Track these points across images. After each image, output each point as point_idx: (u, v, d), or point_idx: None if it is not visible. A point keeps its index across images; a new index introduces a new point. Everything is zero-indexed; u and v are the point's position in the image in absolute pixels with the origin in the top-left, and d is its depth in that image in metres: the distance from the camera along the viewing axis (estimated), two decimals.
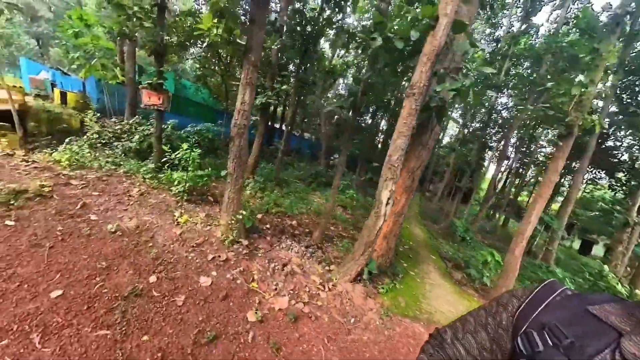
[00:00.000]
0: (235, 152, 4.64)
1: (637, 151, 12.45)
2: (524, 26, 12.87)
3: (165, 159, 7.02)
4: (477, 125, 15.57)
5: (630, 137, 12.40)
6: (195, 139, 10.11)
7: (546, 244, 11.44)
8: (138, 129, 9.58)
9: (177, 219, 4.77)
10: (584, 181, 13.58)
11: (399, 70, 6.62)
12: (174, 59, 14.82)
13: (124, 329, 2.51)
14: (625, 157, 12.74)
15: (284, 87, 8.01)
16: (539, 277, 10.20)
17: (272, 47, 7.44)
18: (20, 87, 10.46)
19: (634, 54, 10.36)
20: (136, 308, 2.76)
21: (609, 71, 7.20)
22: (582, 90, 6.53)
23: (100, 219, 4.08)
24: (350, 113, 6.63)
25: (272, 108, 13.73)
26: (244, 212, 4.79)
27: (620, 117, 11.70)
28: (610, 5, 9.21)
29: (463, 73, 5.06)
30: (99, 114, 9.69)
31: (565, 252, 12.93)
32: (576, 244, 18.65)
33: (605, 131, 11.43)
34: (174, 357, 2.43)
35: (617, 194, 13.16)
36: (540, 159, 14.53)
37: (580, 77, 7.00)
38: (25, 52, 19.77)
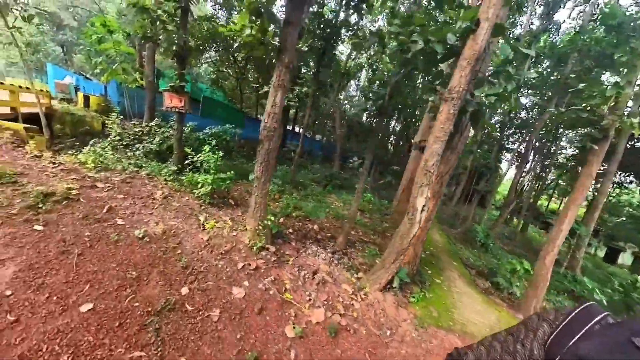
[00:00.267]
0: (263, 156, 4.37)
1: None
2: (543, 23, 12.23)
3: (187, 161, 6.85)
4: (496, 126, 14.87)
5: None
6: (213, 141, 9.96)
7: (571, 251, 10.75)
8: (158, 131, 9.50)
9: (202, 224, 4.53)
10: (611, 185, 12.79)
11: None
12: (191, 62, 14.84)
13: (159, 349, 2.23)
14: None
15: (304, 89, 7.74)
16: (565, 287, 9.55)
17: (303, 48, 7.19)
18: (47, 91, 10.56)
19: None
20: (170, 325, 2.49)
21: None
22: (618, 91, 6.04)
23: (126, 223, 3.86)
24: (377, 117, 6.29)
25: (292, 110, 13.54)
26: (272, 218, 4.50)
27: None
28: None
29: (504, 77, 4.69)
30: (121, 117, 9.65)
31: (589, 259, 12.14)
32: (601, 252, 17.57)
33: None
34: None
35: None
36: (561, 160, 13.73)
37: (616, 78, 6.50)
38: (52, 58, 20.28)
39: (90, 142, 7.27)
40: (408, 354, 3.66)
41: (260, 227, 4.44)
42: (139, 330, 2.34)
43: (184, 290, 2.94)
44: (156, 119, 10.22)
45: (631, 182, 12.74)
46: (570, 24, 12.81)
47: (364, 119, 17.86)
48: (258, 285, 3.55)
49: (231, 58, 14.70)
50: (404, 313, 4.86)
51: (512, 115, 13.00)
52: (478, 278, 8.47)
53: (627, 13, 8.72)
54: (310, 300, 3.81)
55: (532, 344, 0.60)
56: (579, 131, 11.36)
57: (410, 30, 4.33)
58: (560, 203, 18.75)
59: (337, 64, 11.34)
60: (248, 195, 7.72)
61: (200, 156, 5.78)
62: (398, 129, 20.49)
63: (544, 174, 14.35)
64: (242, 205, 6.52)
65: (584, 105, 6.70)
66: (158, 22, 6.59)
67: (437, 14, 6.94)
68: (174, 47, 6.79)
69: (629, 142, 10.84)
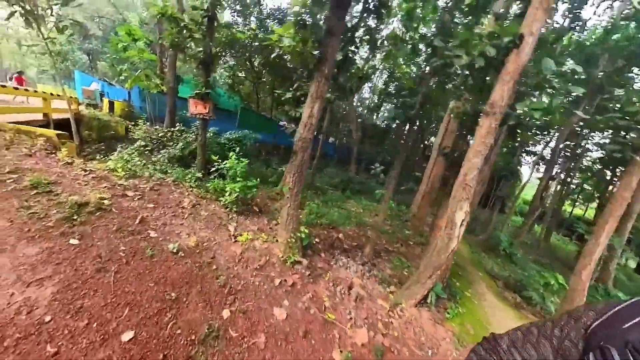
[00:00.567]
0: (297, 167, 4.11)
1: None
2: (567, 21, 11.47)
3: (213, 168, 6.67)
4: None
5: None
6: (233, 146, 9.80)
7: (601, 263, 9.99)
8: (180, 137, 9.43)
9: (233, 235, 4.29)
10: None
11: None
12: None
13: None
14: None
15: (328, 95, 7.47)
16: (597, 300, 8.85)
17: None
18: (76, 97, 10.71)
19: None
20: (217, 355, 2.22)
21: None
22: None
23: (159, 235, 3.66)
24: (407, 125, 5.95)
25: None
26: (306, 231, 4.22)
27: None
28: None
29: (547, 92, 4.34)
30: (148, 123, 9.63)
31: (620, 270, 11.33)
32: (632, 263, 16.37)
33: None
34: None
35: None
36: (587, 164, 12.80)
37: None
38: (79, 66, 20.85)
39: (118, 149, 7.21)
40: None
41: (293, 240, 4.16)
42: None
43: (226, 313, 2.68)
44: (179, 124, 10.18)
45: None
46: (596, 20, 11.97)
47: (379, 122, 17.44)
48: (298, 304, 3.26)
49: (247, 63, 14.64)
50: (441, 331, 4.52)
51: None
52: (506, 290, 7.92)
53: None
54: (351, 318, 3.51)
55: (571, 329, 0.59)
56: (609, 134, 10.58)
57: (454, 45, 4.12)
58: (586, 209, 17.70)
59: (357, 68, 11.03)
60: (270, 201, 7.48)
61: (226, 163, 5.58)
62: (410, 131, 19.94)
63: (568, 179, 13.44)
64: (266, 213, 6.27)
65: (606, 105, 6.15)
66: (185, 31, 6.48)
67: (470, 24, 6.57)
68: (200, 55, 6.66)
69: None
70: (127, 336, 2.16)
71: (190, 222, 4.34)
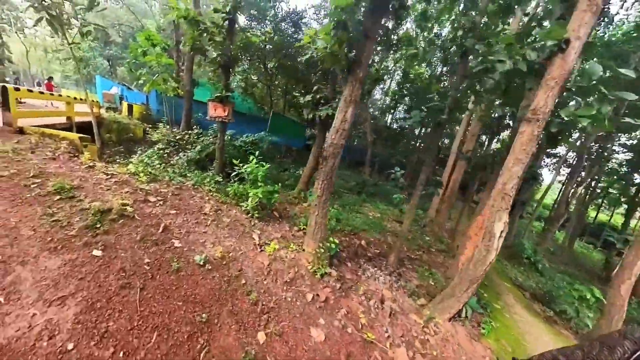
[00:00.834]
0: (327, 173, 3.78)
1: None
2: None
3: (232, 172, 6.43)
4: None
5: None
6: (249, 149, 9.58)
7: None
8: (198, 140, 9.28)
9: (258, 244, 3.99)
10: None
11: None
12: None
13: None
14: None
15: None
16: (633, 316, 8.09)
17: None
18: (97, 101, 10.74)
19: None
20: None
21: None
22: None
23: (184, 245, 3.38)
24: (425, 128, 5.55)
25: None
26: (336, 241, 3.88)
27: None
28: None
29: (597, 99, 3.89)
30: (168, 126, 9.51)
31: None
32: None
33: None
34: None
35: None
36: (612, 166, 11.88)
37: None
38: (99, 71, 21.26)
39: (138, 152, 7.06)
40: None
41: (322, 250, 3.83)
42: None
43: (261, 337, 2.36)
44: (196, 126, 10.06)
45: None
46: (624, 15, 11.18)
47: (394, 123, 16.92)
48: (334, 323, 2.92)
49: (261, 66, 14.50)
50: (479, 348, 4.12)
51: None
52: (533, 302, 7.34)
53: None
54: (388, 337, 3.16)
55: None
56: (637, 135, 9.80)
57: (496, 49, 3.81)
58: (611, 215, 16.54)
59: (375, 70, 10.68)
60: (288, 205, 7.18)
61: (247, 167, 5.31)
62: (423, 133, 19.33)
63: (593, 182, 12.49)
64: (285, 218, 5.97)
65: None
66: (205, 34, 6.27)
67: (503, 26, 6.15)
68: (220, 58, 6.44)
69: None
70: None
71: (214, 230, 4.07)
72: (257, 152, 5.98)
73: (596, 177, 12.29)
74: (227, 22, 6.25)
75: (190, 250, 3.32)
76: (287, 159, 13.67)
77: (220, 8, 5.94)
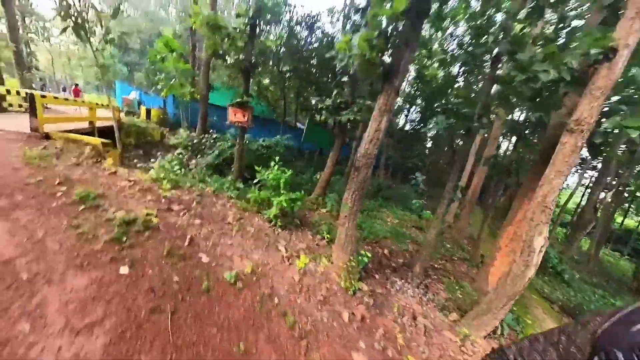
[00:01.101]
0: (359, 183, 3.48)
1: None
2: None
3: (251, 178, 6.20)
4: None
5: None
6: (264, 153, 9.36)
7: None
8: (215, 144, 9.13)
9: (285, 256, 3.71)
10: None
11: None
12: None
13: None
14: None
15: (368, 102, 6.80)
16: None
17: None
18: (117, 106, 10.76)
19: None
20: None
21: None
22: None
23: (211, 260, 3.13)
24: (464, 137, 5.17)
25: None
26: (368, 254, 3.56)
27: None
28: None
29: None
30: (188, 131, 9.40)
31: None
32: None
33: None
34: None
35: None
36: None
37: None
38: (119, 76, 21.59)
39: (158, 156, 6.93)
40: None
41: (353, 264, 3.52)
42: None
43: None
44: (212, 130, 9.93)
45: None
46: None
47: (407, 126, 16.39)
48: (374, 345, 2.63)
49: (275, 69, 14.33)
50: None
51: None
52: (563, 315, 6.81)
53: None
54: (426, 358, 2.81)
55: (578, 334, 0.58)
56: None
57: (539, 59, 3.48)
58: None
59: None
60: (308, 212, 6.90)
61: (268, 173, 5.06)
62: (432, 134, 18.71)
63: (620, 186, 11.51)
64: (307, 225, 5.68)
65: None
66: (227, 39, 6.07)
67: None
68: (241, 63, 6.23)
69: None
70: None
71: (240, 241, 3.81)
72: (277, 158, 5.73)
73: (622, 181, 11.41)
74: (248, 27, 6.03)
75: (218, 265, 3.07)
76: (300, 162, 13.42)
77: (243, 13, 5.72)
